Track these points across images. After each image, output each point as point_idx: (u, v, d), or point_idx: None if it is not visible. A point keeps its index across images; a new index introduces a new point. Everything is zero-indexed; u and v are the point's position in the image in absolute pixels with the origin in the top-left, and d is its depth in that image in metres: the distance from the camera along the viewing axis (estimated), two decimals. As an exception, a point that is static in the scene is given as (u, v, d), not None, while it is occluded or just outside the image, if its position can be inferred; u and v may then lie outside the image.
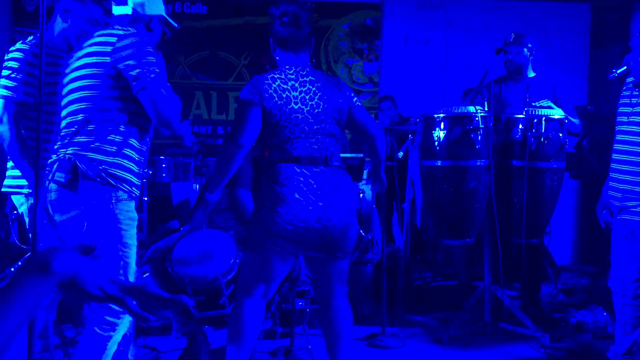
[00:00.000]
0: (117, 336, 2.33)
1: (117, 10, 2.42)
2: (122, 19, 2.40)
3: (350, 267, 4.45)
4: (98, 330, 2.29)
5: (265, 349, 3.46)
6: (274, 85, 2.43)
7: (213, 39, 6.60)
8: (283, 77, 2.46)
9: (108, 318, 2.29)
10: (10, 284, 0.92)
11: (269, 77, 2.46)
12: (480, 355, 3.54)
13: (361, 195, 5.58)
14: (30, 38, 2.70)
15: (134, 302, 0.99)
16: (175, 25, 2.55)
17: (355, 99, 2.60)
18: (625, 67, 2.86)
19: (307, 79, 2.48)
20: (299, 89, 2.46)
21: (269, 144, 2.47)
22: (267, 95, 2.42)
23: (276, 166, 2.45)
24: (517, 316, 3.76)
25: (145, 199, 4.72)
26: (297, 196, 2.40)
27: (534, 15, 6.70)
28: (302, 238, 2.44)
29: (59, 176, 2.23)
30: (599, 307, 3.97)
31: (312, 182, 2.43)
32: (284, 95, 2.43)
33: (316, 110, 2.46)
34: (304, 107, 2.45)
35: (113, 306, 2.27)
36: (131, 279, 2.35)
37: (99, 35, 2.32)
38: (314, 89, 2.48)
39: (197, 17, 6.57)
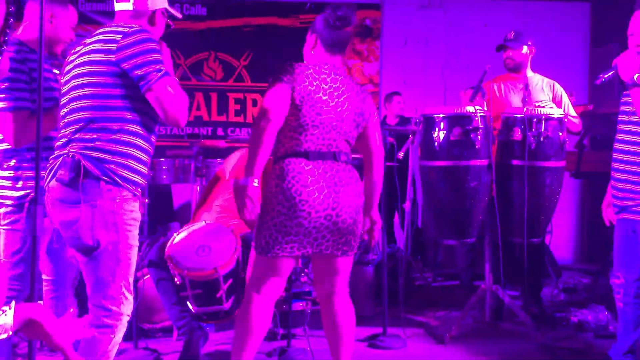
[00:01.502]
0: (117, 337, 2.31)
1: (118, 6, 2.39)
2: (124, 15, 2.38)
3: (352, 268, 4.47)
4: (97, 334, 2.27)
5: (264, 350, 3.46)
6: (306, 72, 2.49)
7: (213, 40, 6.61)
8: (317, 69, 2.52)
9: (106, 320, 2.27)
10: None
11: (302, 65, 2.53)
12: (482, 355, 3.54)
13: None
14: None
15: None
16: (178, 15, 2.51)
17: (375, 113, 2.67)
18: (613, 72, 2.88)
19: (339, 78, 2.54)
20: (329, 84, 2.51)
21: (286, 126, 2.46)
22: (298, 77, 2.46)
23: (284, 162, 2.45)
24: (519, 316, 3.76)
25: (146, 200, 4.72)
26: (304, 197, 2.40)
27: (533, 14, 6.70)
28: (311, 237, 2.44)
29: (62, 175, 2.19)
30: (600, 307, 3.97)
31: (321, 179, 2.44)
32: (315, 84, 2.48)
33: (340, 108, 2.51)
34: (330, 100, 2.49)
35: (111, 305, 2.27)
36: (130, 279, 2.33)
37: (102, 33, 2.29)
38: (343, 88, 2.53)
39: (197, 19, 6.57)
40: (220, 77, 6.65)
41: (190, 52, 6.57)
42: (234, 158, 3.76)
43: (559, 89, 4.12)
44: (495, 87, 4.05)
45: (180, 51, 6.52)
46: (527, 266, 3.69)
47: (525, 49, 4.01)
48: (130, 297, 2.34)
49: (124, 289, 2.29)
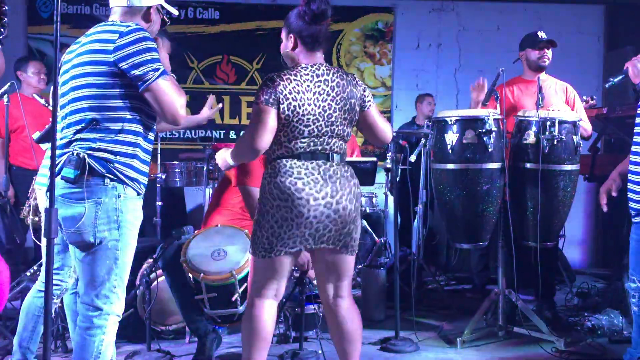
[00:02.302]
0: (109, 338, 2.30)
1: (113, 2, 2.40)
2: (119, 11, 2.39)
3: (364, 271, 4.47)
4: (87, 337, 2.26)
5: (276, 352, 3.46)
6: (289, 86, 2.43)
7: (226, 44, 6.64)
8: (298, 78, 2.46)
9: (97, 321, 2.27)
10: None
11: (284, 77, 2.45)
12: (494, 359, 3.52)
13: (374, 199, 5.58)
14: None
15: None
16: (174, 12, 2.52)
17: (369, 99, 2.59)
18: (623, 75, 2.86)
19: (322, 79, 2.48)
20: (313, 90, 2.46)
21: (276, 140, 2.48)
22: (281, 95, 2.42)
23: (276, 162, 2.47)
24: (532, 320, 3.73)
25: (159, 203, 4.74)
26: (299, 186, 2.41)
27: (547, 17, 6.66)
28: (313, 228, 2.44)
29: (68, 172, 2.21)
30: (615, 311, 3.93)
31: (313, 173, 2.44)
32: (299, 97, 2.43)
33: (327, 112, 2.47)
34: (316, 108, 2.45)
35: (103, 304, 2.25)
36: (125, 279, 2.33)
37: (99, 32, 2.30)
38: (327, 89, 2.47)
39: (210, 22, 6.61)
40: (233, 80, 6.67)
41: (203, 56, 6.60)
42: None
43: (572, 92, 4.10)
44: (508, 91, 4.03)
45: (193, 54, 6.56)
46: (541, 270, 3.66)
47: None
48: (123, 298, 2.34)
49: (117, 289, 2.30)
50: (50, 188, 2.01)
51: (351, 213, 2.48)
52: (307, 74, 2.48)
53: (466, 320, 3.90)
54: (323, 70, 2.50)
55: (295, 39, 2.53)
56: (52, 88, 2.24)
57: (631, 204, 2.96)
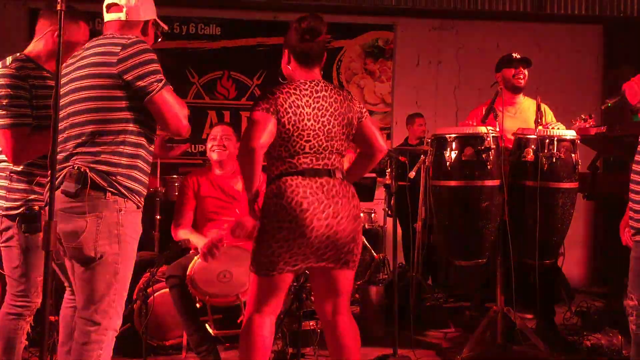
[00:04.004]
0: (106, 353, 2.27)
1: (109, 16, 2.39)
2: (115, 25, 2.37)
3: (362, 288, 4.45)
4: (84, 352, 2.23)
5: (275, 369, 3.44)
6: (289, 100, 2.46)
7: (226, 59, 6.67)
8: (298, 92, 2.48)
9: (94, 336, 2.24)
10: None
11: (284, 91, 2.48)
12: (493, 378, 3.50)
13: (373, 215, 5.58)
14: (9, 60, 2.61)
15: None
16: (165, 27, 2.52)
17: (364, 111, 2.63)
18: (619, 97, 2.87)
19: (320, 95, 2.51)
20: (312, 105, 2.48)
21: (277, 156, 2.49)
22: (281, 108, 2.44)
23: (281, 180, 2.46)
24: (531, 339, 3.72)
25: (159, 217, 4.73)
26: (304, 207, 2.41)
27: (546, 35, 6.71)
28: (314, 247, 2.44)
29: (68, 186, 2.20)
30: (614, 330, 3.92)
31: (319, 191, 2.45)
32: (298, 112, 2.46)
33: (327, 127, 2.49)
34: (316, 124, 2.47)
35: (102, 319, 2.21)
36: (124, 293, 2.31)
37: (100, 45, 2.30)
38: (326, 104, 2.50)
39: (211, 38, 6.65)
40: (233, 95, 6.70)
41: (204, 71, 6.63)
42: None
43: (549, 113, 4.12)
44: (485, 111, 4.02)
45: (194, 70, 6.59)
46: (540, 288, 3.65)
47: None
48: (121, 312, 2.32)
49: (116, 303, 2.28)
50: (50, 202, 2.01)
51: (350, 234, 2.50)
52: (307, 89, 2.50)
53: (465, 337, 3.88)
54: (322, 86, 2.53)
55: (288, 54, 2.58)
56: (52, 102, 2.24)
57: (631, 223, 2.96)
